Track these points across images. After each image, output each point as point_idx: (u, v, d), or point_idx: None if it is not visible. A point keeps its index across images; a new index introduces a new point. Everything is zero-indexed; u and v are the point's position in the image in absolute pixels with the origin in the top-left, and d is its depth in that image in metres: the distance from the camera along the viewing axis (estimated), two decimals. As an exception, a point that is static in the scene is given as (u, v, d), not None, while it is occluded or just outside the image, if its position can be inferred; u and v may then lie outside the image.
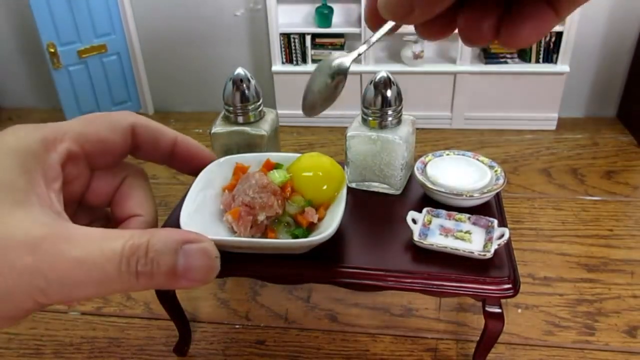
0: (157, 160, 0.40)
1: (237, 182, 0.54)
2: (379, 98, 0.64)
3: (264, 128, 0.67)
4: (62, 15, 1.54)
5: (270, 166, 0.57)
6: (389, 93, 0.64)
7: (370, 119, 0.65)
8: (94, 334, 0.82)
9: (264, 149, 0.67)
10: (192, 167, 0.45)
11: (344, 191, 0.54)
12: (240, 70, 0.67)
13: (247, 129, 0.67)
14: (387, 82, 0.64)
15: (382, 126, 0.65)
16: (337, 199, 0.54)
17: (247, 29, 1.65)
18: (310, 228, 0.53)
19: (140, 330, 0.82)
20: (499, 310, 0.59)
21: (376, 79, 0.64)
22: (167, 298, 0.69)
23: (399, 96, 0.65)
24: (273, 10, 1.51)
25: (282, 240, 0.52)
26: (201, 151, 0.45)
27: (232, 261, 0.55)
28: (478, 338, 0.62)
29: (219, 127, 0.68)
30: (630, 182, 1.20)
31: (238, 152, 0.67)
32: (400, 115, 0.66)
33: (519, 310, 0.82)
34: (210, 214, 0.54)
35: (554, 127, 1.52)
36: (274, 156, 0.58)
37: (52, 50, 1.55)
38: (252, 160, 0.58)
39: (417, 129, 0.71)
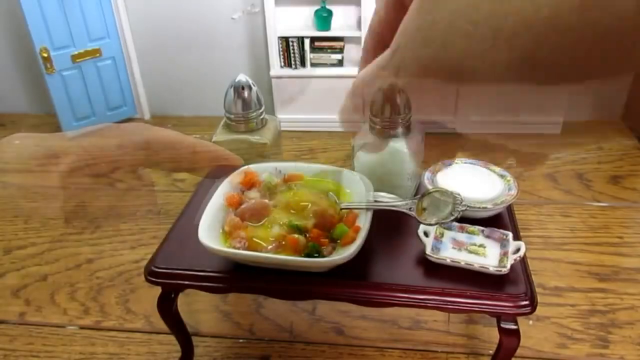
0: (174, 171, 0.39)
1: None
2: (388, 106, 0.61)
3: (266, 136, 0.65)
4: (55, 19, 1.50)
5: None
6: (398, 100, 0.62)
7: (379, 127, 0.63)
8: (92, 349, 0.79)
9: (267, 157, 0.65)
10: (216, 173, 0.45)
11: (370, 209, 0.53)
12: (241, 77, 0.65)
13: (249, 137, 0.65)
14: (395, 90, 0.62)
15: (390, 135, 0.62)
16: (362, 214, 0.53)
17: (245, 33, 1.63)
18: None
19: (141, 345, 0.79)
20: (515, 327, 0.57)
21: (384, 86, 0.62)
22: (169, 311, 0.66)
23: (407, 104, 0.62)
24: (271, 13, 1.48)
25: (304, 259, 0.50)
26: (224, 158, 0.43)
27: (235, 277, 0.53)
28: (489, 351, 0.60)
29: (220, 136, 0.65)
30: (638, 188, 1.18)
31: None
32: (409, 123, 0.64)
33: (530, 322, 0.80)
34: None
35: (558, 132, 1.49)
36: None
37: (45, 54, 1.52)
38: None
39: (422, 134, 0.69)
